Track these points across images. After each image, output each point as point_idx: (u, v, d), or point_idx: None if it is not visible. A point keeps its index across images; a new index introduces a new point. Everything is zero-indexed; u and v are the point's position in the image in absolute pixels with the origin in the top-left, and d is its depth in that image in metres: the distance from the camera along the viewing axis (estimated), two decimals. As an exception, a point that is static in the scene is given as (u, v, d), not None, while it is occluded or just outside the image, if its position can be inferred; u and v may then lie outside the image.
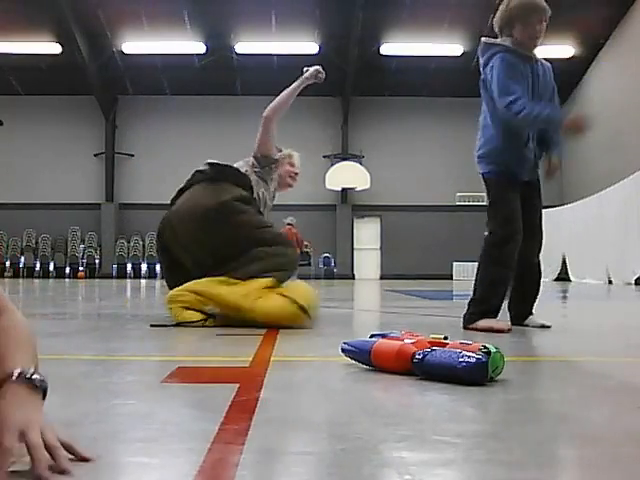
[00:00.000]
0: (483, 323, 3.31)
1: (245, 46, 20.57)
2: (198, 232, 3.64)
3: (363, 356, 1.97)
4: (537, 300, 3.59)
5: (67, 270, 22.97)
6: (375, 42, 20.29)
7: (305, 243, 14.63)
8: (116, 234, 23.41)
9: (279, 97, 4.00)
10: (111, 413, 1.40)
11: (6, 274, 22.47)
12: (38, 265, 22.91)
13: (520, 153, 3.43)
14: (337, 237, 23.11)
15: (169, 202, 3.93)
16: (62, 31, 19.53)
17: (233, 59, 21.24)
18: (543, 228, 3.61)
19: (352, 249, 23.43)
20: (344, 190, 23.00)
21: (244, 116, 17.04)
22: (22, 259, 22.89)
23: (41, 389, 1.10)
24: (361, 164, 22.88)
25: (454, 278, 21.70)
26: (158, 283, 15.35)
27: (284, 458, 1.08)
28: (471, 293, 3.50)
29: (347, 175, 22.38)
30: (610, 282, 15.63)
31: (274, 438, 1.19)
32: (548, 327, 3.41)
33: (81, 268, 22.96)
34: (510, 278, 3.43)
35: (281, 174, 4.17)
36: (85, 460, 1.00)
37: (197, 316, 3.34)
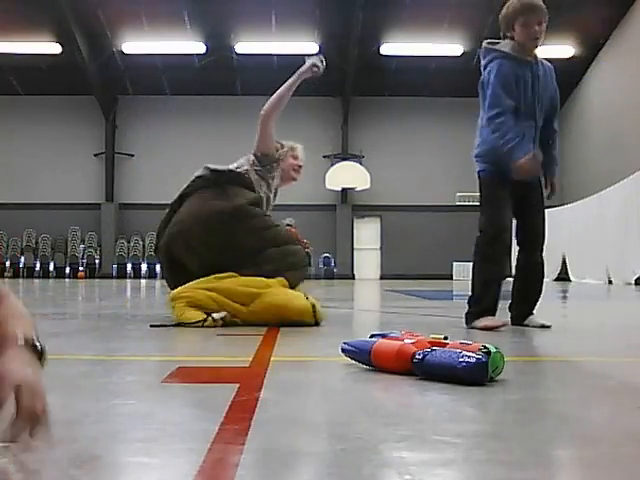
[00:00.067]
0: (480, 322, 3.36)
1: (245, 46, 20.58)
2: (209, 235, 3.64)
3: (363, 356, 1.97)
4: (539, 301, 3.59)
5: (67, 270, 22.97)
6: (375, 42, 20.29)
7: (304, 241, 14.66)
8: (116, 234, 23.42)
9: (276, 94, 3.94)
10: (111, 413, 1.40)
11: (6, 274, 22.46)
12: (38, 265, 22.91)
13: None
14: (337, 237, 23.12)
15: (169, 206, 3.90)
16: (62, 31, 19.54)
17: (233, 59, 21.25)
18: (545, 229, 3.61)
19: (352, 249, 23.43)
20: (344, 190, 23.00)
21: (244, 116, 17.02)
22: (22, 259, 22.89)
23: (43, 356, 1.20)
24: (361, 164, 22.89)
25: (454, 278, 21.70)
26: (158, 283, 15.35)
27: (284, 458, 1.08)
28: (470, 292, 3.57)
29: (347, 175, 22.39)
30: (610, 282, 15.63)
31: (274, 438, 1.19)
32: (548, 327, 3.41)
33: (81, 268, 22.96)
34: (501, 276, 3.50)
35: (284, 168, 4.09)
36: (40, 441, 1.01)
37: (197, 316, 3.33)
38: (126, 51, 20.74)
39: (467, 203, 21.99)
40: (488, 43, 3.53)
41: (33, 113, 23.25)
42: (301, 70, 3.98)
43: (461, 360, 1.70)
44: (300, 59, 4.05)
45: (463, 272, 21.30)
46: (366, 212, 23.42)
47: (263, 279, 3.52)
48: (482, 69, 3.52)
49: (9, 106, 23.19)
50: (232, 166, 3.96)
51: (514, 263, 3.61)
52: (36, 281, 17.52)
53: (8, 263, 22.84)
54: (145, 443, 1.14)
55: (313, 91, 19.49)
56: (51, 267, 22.95)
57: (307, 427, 1.29)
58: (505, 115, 3.33)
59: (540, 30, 3.38)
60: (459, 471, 1.02)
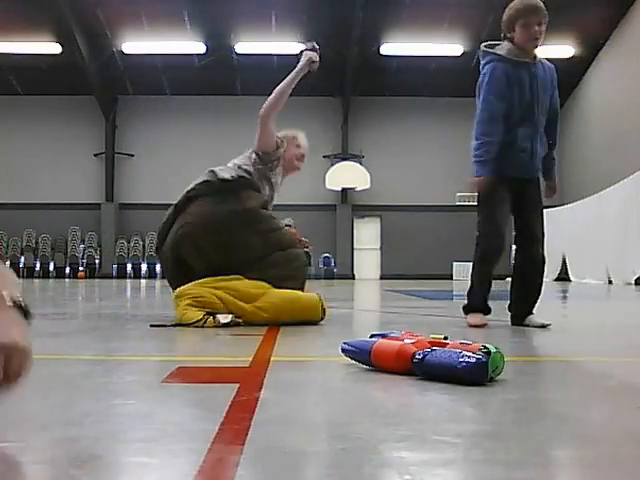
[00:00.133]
0: (469, 319, 3.56)
1: (245, 46, 20.58)
2: (218, 236, 3.63)
3: (363, 356, 1.97)
4: (539, 300, 3.60)
5: (67, 270, 22.98)
6: (375, 42, 20.30)
7: (304, 240, 14.66)
8: (116, 234, 23.42)
9: (274, 93, 3.88)
10: (111, 413, 1.40)
11: (6, 274, 22.45)
12: (38, 265, 22.92)
13: (509, 154, 3.51)
14: (337, 237, 23.13)
15: (173, 206, 3.86)
16: (62, 31, 19.55)
17: (233, 59, 21.25)
18: (544, 227, 3.63)
19: (352, 249, 23.43)
20: (344, 190, 23.01)
21: (244, 116, 17.01)
22: (22, 259, 22.89)
23: (29, 315, 1.17)
24: (361, 164, 22.89)
25: (454, 278, 21.71)
26: (158, 283, 15.35)
27: (284, 458, 1.08)
28: None
29: (347, 175, 22.39)
30: (610, 282, 15.63)
31: (274, 438, 1.19)
32: (548, 326, 3.41)
33: (81, 268, 22.97)
34: (491, 275, 3.61)
35: (288, 158, 4.03)
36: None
37: (198, 316, 3.33)
38: (126, 51, 20.75)
39: (467, 203, 21.99)
40: (485, 46, 3.59)
41: (33, 113, 23.25)
42: (299, 67, 3.90)
43: (461, 360, 1.70)
44: (297, 60, 4.02)
45: (463, 272, 21.30)
46: (366, 212, 23.43)
47: (268, 284, 3.54)
48: (481, 70, 3.59)
49: (9, 106, 23.20)
50: (235, 162, 3.92)
51: (513, 262, 3.64)
52: (36, 281, 17.52)
53: (8, 263, 22.70)
54: (145, 443, 1.14)
55: (313, 91, 19.52)
56: (51, 267, 22.96)
57: (307, 427, 1.29)
58: (491, 123, 3.45)
59: (540, 30, 3.43)
60: (459, 471, 1.02)
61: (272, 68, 20.66)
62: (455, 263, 22.01)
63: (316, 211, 22.67)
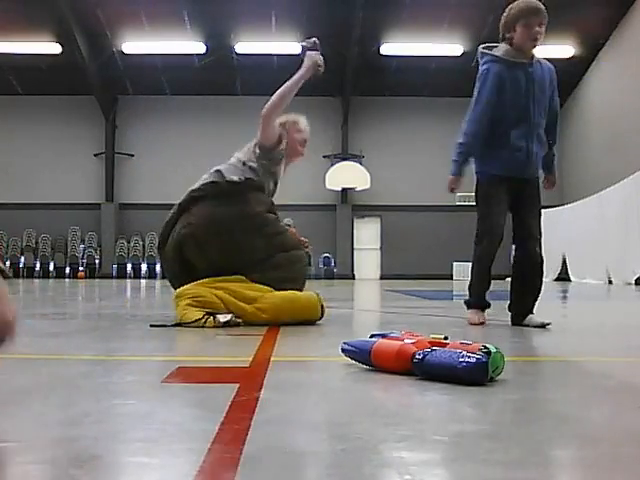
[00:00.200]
0: (469, 316, 3.68)
1: (245, 46, 20.58)
2: (222, 238, 3.60)
3: (363, 356, 1.97)
4: (538, 300, 3.60)
5: (67, 270, 22.97)
6: (375, 42, 20.30)
7: (304, 239, 14.65)
8: (116, 234, 23.42)
9: (277, 95, 3.82)
10: (111, 413, 1.40)
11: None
12: (38, 265, 22.91)
13: (505, 154, 3.58)
14: (337, 237, 23.13)
15: (177, 205, 3.80)
16: (62, 31, 19.54)
17: (233, 59, 21.25)
18: (542, 226, 3.65)
19: (352, 249, 23.43)
20: (344, 190, 23.00)
21: (244, 116, 17.02)
22: (22, 259, 22.89)
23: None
24: (361, 164, 22.89)
25: (454, 278, 21.71)
26: (158, 283, 15.35)
27: (284, 458, 1.08)
28: None
29: (347, 175, 22.39)
30: (610, 282, 15.63)
31: (274, 438, 1.19)
32: (548, 324, 3.42)
33: (81, 268, 22.97)
34: (486, 273, 3.70)
35: (290, 143, 3.95)
36: None
37: (198, 315, 3.33)
38: (126, 51, 20.74)
39: (467, 203, 21.99)
40: (483, 47, 3.67)
41: (33, 113, 23.25)
42: (303, 70, 3.84)
43: (461, 360, 1.70)
44: (300, 59, 3.98)
45: (463, 272, 21.30)
46: (366, 212, 23.43)
47: (268, 288, 3.54)
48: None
49: (9, 106, 23.19)
50: (239, 157, 3.85)
51: (512, 262, 3.67)
52: (36, 281, 17.52)
53: (8, 263, 22.82)
54: (145, 443, 1.14)
55: (313, 91, 19.50)
56: (51, 267, 22.96)
57: (307, 427, 1.29)
58: (476, 125, 3.58)
59: (540, 31, 3.49)
60: (459, 471, 1.02)
61: (272, 68, 20.67)
62: (455, 263, 22.01)
63: (316, 211, 22.67)
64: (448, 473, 1.02)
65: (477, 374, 1.70)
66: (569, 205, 19.39)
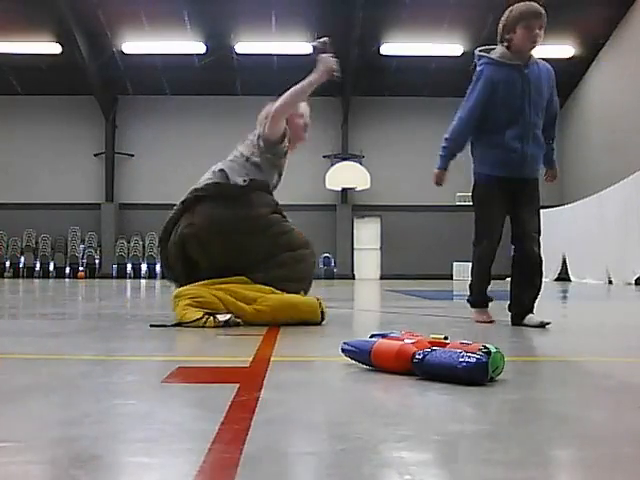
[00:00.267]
0: (474, 315, 3.78)
1: (245, 46, 20.57)
2: (226, 240, 3.57)
3: (363, 356, 1.97)
4: (537, 299, 3.61)
5: (67, 270, 22.97)
6: (375, 42, 20.29)
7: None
8: (116, 234, 23.42)
9: (290, 93, 3.70)
10: (111, 413, 1.40)
11: (6, 274, 22.47)
12: (38, 265, 22.91)
13: (499, 154, 3.63)
14: (337, 237, 23.12)
15: (180, 203, 3.73)
16: (62, 31, 19.54)
17: (233, 59, 21.25)
18: (541, 226, 3.66)
19: (352, 249, 23.43)
20: (344, 190, 23.00)
21: (244, 116, 17.04)
22: (22, 259, 22.89)
23: None
24: (361, 164, 22.89)
25: (454, 278, 21.71)
26: (158, 283, 15.35)
27: (284, 458, 1.08)
28: None
29: (347, 175, 22.39)
30: (610, 282, 15.63)
31: (274, 438, 1.19)
32: (548, 324, 3.42)
33: (81, 268, 22.97)
34: (486, 273, 3.77)
35: (293, 129, 3.88)
36: None
37: (197, 315, 3.32)
38: (126, 51, 20.74)
39: (467, 203, 21.99)
40: (480, 50, 3.72)
41: (33, 113, 23.25)
42: (317, 75, 3.71)
43: (461, 360, 1.70)
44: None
45: (463, 272, 21.31)
46: (366, 212, 23.42)
47: (270, 288, 3.52)
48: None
49: (9, 106, 23.20)
50: (242, 152, 3.79)
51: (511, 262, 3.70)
52: (36, 281, 17.52)
53: (8, 263, 22.84)
54: (145, 443, 1.14)
55: (313, 91, 19.49)
56: (51, 267, 22.96)
57: (307, 427, 1.29)
58: (463, 124, 3.68)
59: (539, 34, 3.54)
60: (459, 471, 1.02)
61: (272, 68, 20.70)
62: (455, 263, 22.01)
63: (316, 211, 22.66)
64: (448, 473, 1.02)
65: (477, 374, 1.70)
66: (569, 205, 19.39)
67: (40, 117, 23.25)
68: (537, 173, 3.71)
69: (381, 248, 23.54)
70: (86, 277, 22.42)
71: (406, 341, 1.90)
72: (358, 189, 22.71)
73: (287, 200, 3.90)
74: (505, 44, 3.61)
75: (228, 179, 3.67)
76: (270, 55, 20.77)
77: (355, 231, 23.49)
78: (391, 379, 1.82)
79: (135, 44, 20.46)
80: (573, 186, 21.15)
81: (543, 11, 3.55)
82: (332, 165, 22.76)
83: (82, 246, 23.29)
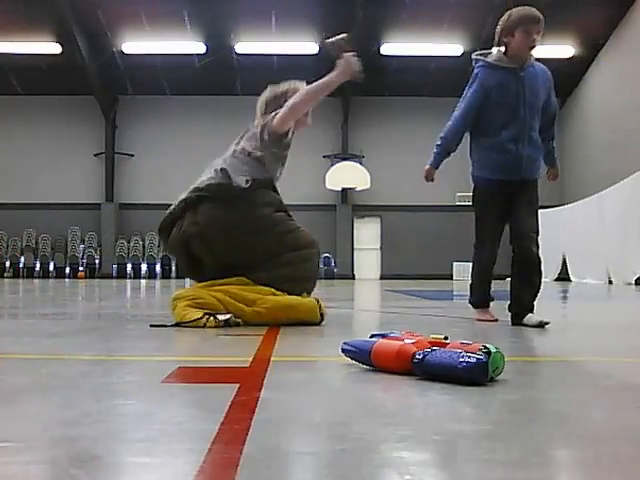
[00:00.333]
0: (477, 315, 3.82)
1: (245, 46, 20.58)
2: (229, 240, 3.54)
3: (363, 356, 1.97)
4: (536, 298, 3.62)
5: (67, 270, 22.98)
6: (375, 42, 20.29)
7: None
8: (116, 234, 23.42)
9: (307, 91, 3.59)
10: (111, 413, 1.40)
11: (6, 274, 22.47)
12: (38, 265, 22.92)
13: (494, 156, 3.69)
14: (337, 237, 23.12)
15: (183, 200, 3.63)
16: (62, 31, 19.55)
17: (233, 59, 21.25)
18: (539, 226, 3.68)
19: (352, 249, 23.43)
20: (344, 190, 23.00)
21: (244, 116, 17.04)
22: (22, 259, 22.90)
23: None
24: (361, 164, 22.89)
25: (454, 278, 21.71)
26: (158, 283, 15.35)
27: (284, 458, 1.08)
28: None
29: (347, 175, 22.39)
30: (610, 282, 15.63)
31: (274, 438, 1.19)
32: (547, 323, 3.43)
33: (81, 268, 22.97)
34: (485, 274, 3.82)
35: None
36: None
37: (197, 315, 3.32)
38: (126, 51, 20.74)
39: (467, 203, 22.00)
40: (477, 54, 3.79)
41: (33, 113, 23.25)
42: (338, 74, 3.57)
43: (461, 360, 1.70)
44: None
45: (463, 272, 21.30)
46: (366, 212, 23.43)
47: (270, 289, 3.50)
48: None
49: (9, 106, 23.20)
50: (245, 147, 3.70)
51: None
52: (36, 281, 17.52)
53: (8, 263, 22.84)
54: (145, 443, 1.14)
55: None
56: (51, 267, 22.96)
57: (307, 427, 1.29)
58: (458, 125, 3.75)
59: (537, 39, 3.59)
60: (459, 471, 1.02)
61: (272, 68, 20.68)
62: (455, 263, 22.01)
63: (316, 211, 22.66)
64: (448, 473, 1.02)
65: (477, 374, 1.70)
66: (569, 205, 19.39)
67: (40, 117, 23.26)
68: (536, 174, 3.74)
69: (381, 248, 23.54)
70: (86, 277, 22.42)
71: (406, 341, 1.90)
72: (358, 189, 22.71)
73: (287, 200, 3.87)
74: (502, 47, 3.66)
75: (230, 179, 3.59)
76: (270, 55, 20.77)
77: (355, 231, 23.49)
78: (391, 379, 1.82)
79: (135, 44, 20.47)
80: (573, 186, 21.15)
81: (542, 17, 3.59)
82: (332, 165, 22.76)
83: (82, 246, 23.30)
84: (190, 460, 1.03)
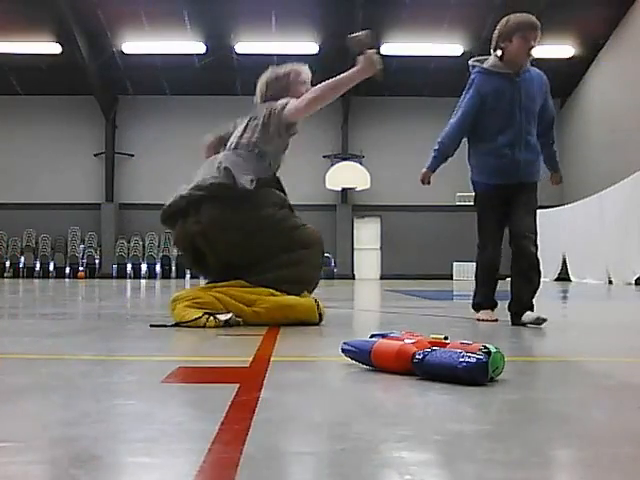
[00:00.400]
0: (478, 315, 3.83)
1: (245, 46, 20.57)
2: (230, 239, 3.52)
3: (363, 356, 1.97)
4: (535, 296, 3.63)
5: (67, 270, 22.97)
6: (375, 42, 20.24)
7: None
8: (116, 234, 23.41)
9: (325, 86, 3.50)
10: (111, 413, 1.40)
11: (6, 274, 22.47)
12: (38, 265, 22.91)
13: (491, 161, 3.74)
14: (337, 237, 23.12)
15: (184, 198, 3.57)
16: (62, 31, 19.54)
17: (233, 59, 21.25)
18: (537, 226, 3.69)
19: (352, 249, 23.42)
20: (344, 190, 22.99)
21: (244, 116, 17.02)
22: (22, 259, 22.89)
23: None
24: (361, 164, 22.88)
25: (454, 278, 21.71)
26: (158, 283, 15.35)
27: (284, 458, 1.08)
28: None
29: (347, 175, 22.38)
30: (610, 282, 15.63)
31: (274, 438, 1.19)
32: (544, 320, 3.44)
33: (81, 268, 22.96)
34: (487, 275, 3.87)
35: (295, 97, 3.68)
36: None
37: (197, 314, 3.31)
38: (126, 51, 20.74)
39: (467, 203, 22.01)
40: (473, 60, 3.83)
41: (33, 113, 23.25)
42: (358, 71, 3.47)
43: (461, 360, 1.70)
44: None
45: (463, 272, 21.32)
46: (366, 212, 23.42)
47: (269, 290, 3.48)
48: None
49: (9, 106, 23.19)
50: (250, 138, 3.66)
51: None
52: (36, 281, 17.52)
53: (8, 263, 22.84)
54: (145, 443, 1.14)
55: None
56: (51, 267, 22.95)
57: (307, 427, 1.29)
58: (455, 131, 3.80)
59: (534, 46, 3.63)
60: (459, 471, 1.02)
61: (272, 68, 20.62)
62: (455, 263, 22.01)
63: (316, 211, 22.62)
64: (448, 473, 1.02)
65: (477, 374, 1.70)
66: (569, 205, 19.38)
67: (40, 117, 23.25)
68: (535, 177, 3.78)
69: (381, 248, 23.54)
70: (86, 277, 22.42)
71: (406, 341, 1.90)
72: (358, 189, 22.71)
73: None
74: (499, 52, 3.69)
75: (234, 178, 3.51)
76: (270, 55, 20.73)
77: (355, 231, 23.49)
78: (391, 379, 1.82)
79: (135, 44, 20.47)
80: (573, 186, 21.14)
81: (539, 23, 3.63)
82: (332, 165, 22.76)
83: (82, 246, 23.29)
84: (190, 460, 1.03)
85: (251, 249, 3.57)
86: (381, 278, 22.68)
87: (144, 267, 23.01)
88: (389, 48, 20.54)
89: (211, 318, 3.29)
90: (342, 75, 3.52)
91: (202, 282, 3.89)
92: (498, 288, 3.92)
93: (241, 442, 1.13)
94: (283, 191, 3.82)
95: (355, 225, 23.50)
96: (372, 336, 2.05)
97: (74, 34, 19.48)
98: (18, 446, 1.12)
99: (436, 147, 3.86)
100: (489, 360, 1.71)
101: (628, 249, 14.69)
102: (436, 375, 1.74)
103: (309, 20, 19.57)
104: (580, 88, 21.91)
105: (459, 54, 20.39)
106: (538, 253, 3.66)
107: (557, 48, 19.37)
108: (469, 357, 1.70)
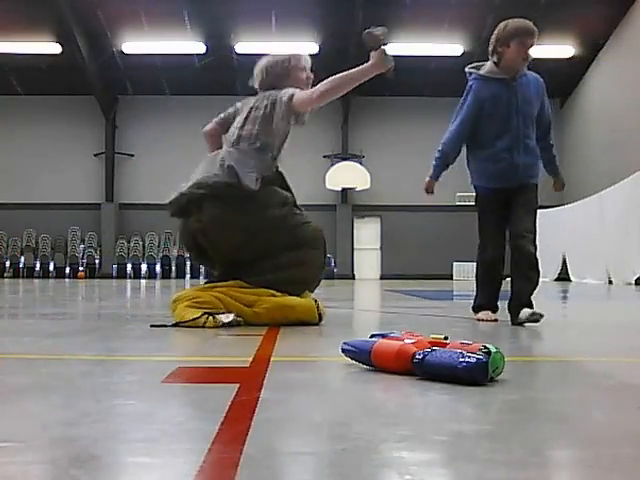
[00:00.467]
0: (479, 315, 3.84)
1: (245, 46, 20.56)
2: (231, 238, 3.51)
3: (363, 356, 1.97)
4: (534, 293, 3.64)
5: (67, 270, 22.97)
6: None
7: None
8: (116, 234, 23.41)
9: (334, 81, 3.43)
10: (111, 413, 1.40)
11: (6, 274, 22.47)
12: (38, 265, 22.91)
13: (489, 166, 3.77)
14: (337, 237, 23.11)
15: (185, 196, 3.52)
16: (62, 31, 19.54)
17: (233, 59, 21.24)
18: (536, 226, 3.70)
19: (352, 249, 23.42)
20: (344, 190, 23.00)
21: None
22: (22, 259, 22.89)
23: None
24: (361, 164, 22.89)
25: (454, 278, 21.71)
26: (158, 283, 15.35)
27: (284, 458, 1.08)
28: None
29: (347, 175, 22.39)
30: (610, 282, 15.63)
31: (274, 438, 1.19)
32: (541, 316, 3.46)
33: (81, 268, 22.96)
34: (488, 278, 3.88)
35: (296, 84, 3.66)
36: None
37: (197, 314, 3.31)
38: (126, 51, 20.74)
39: (467, 203, 22.01)
40: (470, 67, 3.86)
41: (33, 113, 23.25)
42: (370, 67, 3.42)
43: (461, 360, 1.70)
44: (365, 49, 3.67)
45: (463, 272, 21.33)
46: (366, 212, 23.42)
47: (269, 291, 3.47)
48: None
49: (9, 106, 23.19)
50: (251, 130, 3.59)
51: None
52: (36, 281, 17.52)
53: (8, 263, 22.84)
54: (145, 443, 1.14)
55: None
56: (51, 267, 22.95)
57: (307, 427, 1.29)
58: (455, 139, 3.82)
59: (530, 52, 3.65)
60: (459, 471, 1.02)
61: (272, 68, 20.62)
62: (455, 263, 22.01)
63: (316, 211, 22.56)
64: (448, 473, 1.02)
65: (477, 374, 1.70)
66: (569, 205, 19.38)
67: (40, 117, 23.25)
68: (534, 179, 3.81)
69: (381, 248, 23.54)
70: (86, 277, 22.42)
71: (406, 341, 1.90)
72: (358, 189, 22.71)
73: (288, 200, 3.85)
74: (495, 58, 3.71)
75: (238, 177, 3.45)
76: (270, 55, 20.76)
77: (355, 231, 23.49)
78: (391, 379, 1.82)
79: (135, 44, 20.46)
80: (573, 186, 21.10)
81: (536, 29, 3.66)
82: (332, 165, 22.76)
83: (82, 246, 23.29)
84: (190, 460, 1.03)
85: (253, 248, 3.56)
86: (381, 278, 22.68)
87: (144, 267, 23.01)
88: (389, 48, 20.54)
89: (210, 318, 3.28)
90: (355, 69, 3.47)
91: (202, 282, 3.89)
92: (498, 288, 3.92)
93: (241, 442, 1.13)
94: (288, 187, 3.80)
95: (355, 225, 23.50)
96: (372, 336, 2.05)
97: (74, 34, 19.48)
98: (18, 446, 1.12)
99: (437, 155, 3.88)
100: (489, 360, 1.71)
101: (628, 249, 14.69)
102: (436, 375, 1.74)
103: (309, 20, 19.57)
104: (580, 88, 21.91)
105: (459, 54, 20.40)
106: (537, 253, 3.67)
107: (557, 48, 19.37)
108: (469, 357, 1.70)
